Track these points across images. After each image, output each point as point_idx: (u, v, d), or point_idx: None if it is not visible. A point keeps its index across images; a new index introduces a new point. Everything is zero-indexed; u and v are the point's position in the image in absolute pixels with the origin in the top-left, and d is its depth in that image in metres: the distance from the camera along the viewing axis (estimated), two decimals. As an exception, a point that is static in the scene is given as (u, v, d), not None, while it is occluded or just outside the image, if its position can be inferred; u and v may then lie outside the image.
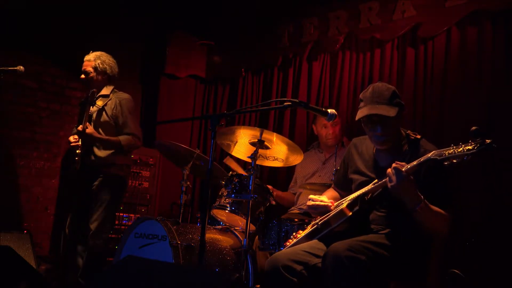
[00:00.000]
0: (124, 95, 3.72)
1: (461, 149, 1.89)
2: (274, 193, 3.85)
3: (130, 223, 4.60)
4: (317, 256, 2.24)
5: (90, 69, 3.66)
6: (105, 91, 3.69)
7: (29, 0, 4.86)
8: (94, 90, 3.57)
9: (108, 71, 3.70)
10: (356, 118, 2.34)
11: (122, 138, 3.56)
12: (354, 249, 2.05)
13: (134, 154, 4.79)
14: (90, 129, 3.46)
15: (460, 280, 3.05)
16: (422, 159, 2.05)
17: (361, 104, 2.35)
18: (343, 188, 2.61)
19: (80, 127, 3.42)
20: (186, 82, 5.80)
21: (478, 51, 3.69)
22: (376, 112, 2.25)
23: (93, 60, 3.67)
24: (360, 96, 2.39)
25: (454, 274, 3.07)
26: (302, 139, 4.63)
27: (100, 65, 3.67)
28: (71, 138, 3.56)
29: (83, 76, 3.67)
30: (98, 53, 3.71)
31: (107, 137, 3.54)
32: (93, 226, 3.48)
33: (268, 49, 5.17)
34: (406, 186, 2.06)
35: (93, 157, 3.55)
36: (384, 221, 2.31)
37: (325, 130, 4.01)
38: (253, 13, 5.23)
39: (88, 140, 3.49)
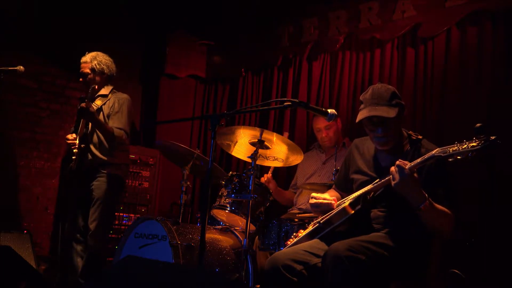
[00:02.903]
0: (123, 95, 3.71)
1: (465, 146, 1.90)
2: (272, 187, 3.86)
3: (130, 223, 4.60)
4: (317, 256, 2.24)
5: (87, 70, 3.63)
6: (104, 91, 3.67)
7: (29, 0, 4.86)
8: (95, 86, 3.54)
9: (106, 71, 3.66)
10: (357, 120, 2.34)
11: (115, 129, 3.55)
12: (354, 249, 2.05)
13: (134, 154, 4.80)
14: (92, 108, 3.41)
15: (460, 280, 3.05)
16: (426, 156, 2.05)
17: (361, 106, 2.36)
18: (344, 189, 2.61)
19: (83, 104, 3.34)
20: (186, 82, 5.80)
21: (478, 51, 3.69)
22: (376, 113, 2.26)
23: (90, 61, 3.63)
24: (360, 98, 2.40)
25: (454, 274, 3.07)
26: (302, 139, 4.63)
27: (97, 66, 3.64)
28: (69, 136, 3.56)
29: (81, 79, 3.65)
30: (94, 53, 3.67)
31: (104, 122, 3.52)
32: (92, 226, 3.47)
33: (268, 49, 5.17)
34: (409, 184, 2.06)
35: (90, 156, 3.55)
36: (384, 220, 2.31)
37: (319, 134, 4.04)
38: (253, 13, 5.23)
39: (88, 120, 3.45)
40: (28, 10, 4.85)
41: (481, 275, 3.26)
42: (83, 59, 3.66)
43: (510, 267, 3.22)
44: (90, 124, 3.57)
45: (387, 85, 2.40)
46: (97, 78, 3.65)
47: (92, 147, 3.56)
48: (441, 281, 3.08)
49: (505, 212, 3.32)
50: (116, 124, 3.57)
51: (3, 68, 3.26)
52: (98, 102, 3.64)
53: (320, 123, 3.98)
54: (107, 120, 3.58)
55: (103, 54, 3.71)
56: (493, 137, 1.84)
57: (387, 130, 2.30)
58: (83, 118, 3.47)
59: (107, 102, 3.63)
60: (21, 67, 3.32)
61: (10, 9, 4.72)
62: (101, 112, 3.60)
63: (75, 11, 5.02)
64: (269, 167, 3.95)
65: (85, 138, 3.54)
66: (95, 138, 3.57)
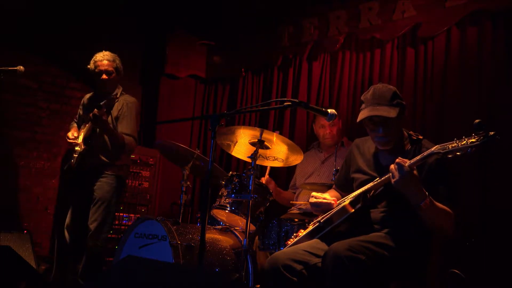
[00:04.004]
0: (131, 98, 3.73)
1: (464, 142, 1.91)
2: (272, 187, 3.86)
3: (130, 223, 4.60)
4: (317, 255, 2.24)
5: (112, 69, 3.63)
6: (116, 92, 3.65)
7: (29, 0, 4.86)
8: (117, 95, 3.48)
9: (122, 73, 3.72)
10: (358, 120, 2.34)
11: (125, 136, 3.56)
12: (354, 249, 2.05)
13: (134, 154, 4.79)
14: (105, 116, 3.41)
15: (460, 280, 3.05)
16: (425, 153, 2.06)
17: (362, 106, 2.36)
18: (344, 189, 2.61)
19: (96, 111, 3.32)
20: (186, 82, 5.80)
21: (478, 51, 3.69)
22: (377, 113, 2.26)
23: (113, 60, 3.65)
24: (361, 97, 2.40)
25: (454, 274, 3.07)
26: (302, 139, 4.63)
27: (120, 66, 3.68)
28: (70, 135, 3.55)
29: (105, 76, 3.60)
30: (112, 53, 3.69)
31: (116, 131, 3.52)
32: (92, 226, 3.47)
33: (268, 49, 5.17)
34: (409, 181, 2.07)
35: (91, 158, 3.54)
36: (384, 220, 2.31)
37: (323, 130, 4.03)
38: (253, 13, 5.23)
39: (99, 127, 3.44)
40: (28, 10, 4.84)
41: (481, 275, 3.26)
42: (105, 56, 3.64)
43: (510, 267, 3.22)
44: None
45: (388, 85, 2.41)
46: (116, 78, 3.67)
47: (97, 149, 3.55)
48: (441, 281, 3.08)
49: (505, 212, 3.32)
50: (125, 130, 3.58)
51: (3, 68, 3.26)
52: None
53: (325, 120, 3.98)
54: (115, 122, 3.58)
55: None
56: (492, 133, 1.85)
57: (388, 130, 2.31)
58: (94, 126, 3.45)
59: (116, 104, 3.62)
60: (21, 67, 3.32)
61: (10, 9, 4.72)
62: (109, 115, 3.59)
63: (75, 11, 5.02)
64: (265, 167, 3.95)
65: (91, 140, 3.53)
66: (101, 141, 3.55)
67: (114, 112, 3.60)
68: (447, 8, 3.84)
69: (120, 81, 3.76)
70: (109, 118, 3.57)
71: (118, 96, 3.61)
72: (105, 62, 3.62)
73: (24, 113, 5.00)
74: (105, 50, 3.71)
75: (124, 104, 3.64)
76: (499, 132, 1.86)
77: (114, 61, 3.65)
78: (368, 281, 2.06)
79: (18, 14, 4.80)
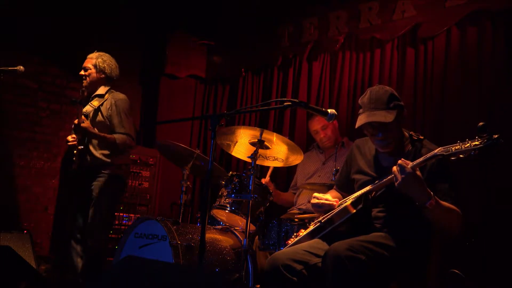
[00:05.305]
0: (120, 95, 3.70)
1: (468, 144, 1.90)
2: (272, 191, 3.86)
3: (130, 223, 4.60)
4: (317, 255, 2.24)
5: (89, 65, 3.67)
6: (101, 90, 3.67)
7: (29, 0, 4.86)
8: (84, 89, 3.58)
9: (106, 71, 3.68)
10: (356, 126, 2.33)
11: (117, 136, 3.54)
12: (354, 249, 2.05)
13: (134, 154, 4.80)
14: (86, 124, 3.43)
15: (460, 280, 3.05)
16: (428, 155, 2.05)
17: (360, 110, 2.36)
18: (345, 189, 2.60)
19: (76, 121, 3.40)
20: (186, 82, 5.80)
21: (478, 51, 3.69)
22: (374, 119, 2.25)
23: (95, 58, 3.69)
24: (359, 101, 2.39)
25: (454, 274, 3.07)
26: (302, 139, 4.63)
27: (100, 64, 3.67)
28: (69, 138, 3.56)
29: (82, 72, 3.67)
30: (101, 53, 3.73)
31: (102, 134, 3.52)
32: (91, 226, 3.47)
33: (268, 49, 5.17)
34: (412, 182, 2.05)
35: (89, 157, 3.54)
36: (384, 220, 2.31)
37: (318, 135, 4.04)
38: (253, 13, 5.23)
39: (83, 135, 3.46)
40: (28, 10, 4.84)
41: (481, 275, 3.26)
42: (90, 55, 3.72)
43: (510, 267, 3.22)
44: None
45: (385, 86, 2.39)
46: (96, 76, 3.67)
47: (91, 148, 3.55)
48: (441, 281, 3.08)
49: (505, 212, 3.32)
50: (117, 128, 3.57)
51: (3, 68, 3.27)
52: (95, 103, 3.63)
53: (316, 125, 3.99)
54: (107, 121, 3.58)
55: (110, 56, 3.75)
56: (496, 136, 1.85)
57: (387, 133, 2.30)
58: (78, 135, 3.47)
59: (104, 103, 3.62)
60: (21, 67, 3.33)
61: (10, 9, 4.72)
62: (99, 112, 3.60)
63: (75, 11, 5.02)
64: (268, 169, 3.95)
65: (84, 140, 3.54)
66: (94, 140, 3.56)
67: (104, 111, 3.61)
68: (447, 8, 3.84)
69: (108, 81, 3.72)
70: (99, 116, 3.58)
71: (104, 93, 3.64)
72: (87, 59, 3.70)
73: (24, 113, 5.01)
74: (98, 51, 3.73)
75: (112, 102, 3.62)
76: (500, 133, 1.86)
77: (96, 58, 3.68)
78: (368, 281, 2.06)
79: (18, 14, 4.80)
